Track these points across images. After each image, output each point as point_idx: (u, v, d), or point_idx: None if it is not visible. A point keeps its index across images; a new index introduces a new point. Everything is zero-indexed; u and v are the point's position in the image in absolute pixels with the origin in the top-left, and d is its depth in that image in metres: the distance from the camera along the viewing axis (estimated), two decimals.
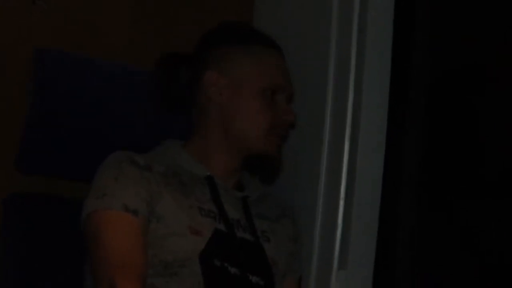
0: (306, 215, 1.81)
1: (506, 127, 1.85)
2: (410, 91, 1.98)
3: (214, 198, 1.65)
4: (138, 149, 1.66)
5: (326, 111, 1.82)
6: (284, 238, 1.75)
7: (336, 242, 1.77)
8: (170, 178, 1.63)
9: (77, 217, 1.60)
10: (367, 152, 1.79)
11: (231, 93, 1.69)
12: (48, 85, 1.76)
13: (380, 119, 1.82)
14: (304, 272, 1.79)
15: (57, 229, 1.75)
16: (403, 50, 1.89)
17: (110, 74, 1.83)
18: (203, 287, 1.56)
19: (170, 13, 2.03)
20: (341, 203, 1.77)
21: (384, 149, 1.81)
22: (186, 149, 1.71)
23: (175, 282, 1.56)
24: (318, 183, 1.81)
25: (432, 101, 1.99)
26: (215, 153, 1.70)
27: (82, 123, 1.78)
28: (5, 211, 1.75)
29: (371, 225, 1.80)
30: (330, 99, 1.82)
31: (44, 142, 1.76)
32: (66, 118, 1.77)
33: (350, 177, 1.78)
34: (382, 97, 1.82)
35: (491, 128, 1.89)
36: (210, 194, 1.65)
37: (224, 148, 1.70)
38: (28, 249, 1.72)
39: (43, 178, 1.81)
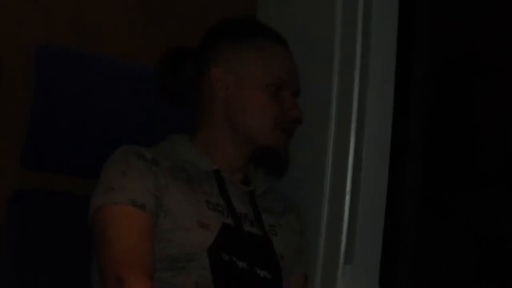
0: (312, 209, 1.81)
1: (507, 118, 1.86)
2: (415, 86, 1.98)
3: (221, 192, 1.65)
4: (142, 144, 1.66)
5: (332, 106, 1.82)
6: (290, 232, 1.75)
7: (342, 237, 1.76)
8: (178, 172, 1.62)
9: (82, 213, 1.60)
10: (372, 146, 1.79)
11: (236, 88, 1.68)
12: (50, 81, 1.76)
13: (385, 113, 1.82)
14: (310, 267, 1.79)
15: (62, 225, 1.75)
16: (408, 45, 1.90)
17: (113, 70, 1.83)
18: (210, 281, 1.56)
19: (171, 8, 2.03)
20: (347, 197, 1.77)
21: (390, 144, 1.81)
22: (192, 143, 1.70)
23: (182, 276, 1.55)
24: (324, 177, 1.81)
25: (437, 94, 1.99)
26: (221, 147, 1.69)
27: (85, 119, 1.78)
28: (10, 207, 1.74)
29: (377, 219, 1.80)
30: (336, 94, 1.82)
31: (48, 138, 1.76)
32: (69, 114, 1.77)
33: (356, 172, 1.78)
34: (387, 92, 1.82)
35: (493, 120, 1.90)
36: (218, 188, 1.65)
37: (230, 143, 1.69)
38: (33, 245, 1.71)
39: (48, 174, 1.81)
